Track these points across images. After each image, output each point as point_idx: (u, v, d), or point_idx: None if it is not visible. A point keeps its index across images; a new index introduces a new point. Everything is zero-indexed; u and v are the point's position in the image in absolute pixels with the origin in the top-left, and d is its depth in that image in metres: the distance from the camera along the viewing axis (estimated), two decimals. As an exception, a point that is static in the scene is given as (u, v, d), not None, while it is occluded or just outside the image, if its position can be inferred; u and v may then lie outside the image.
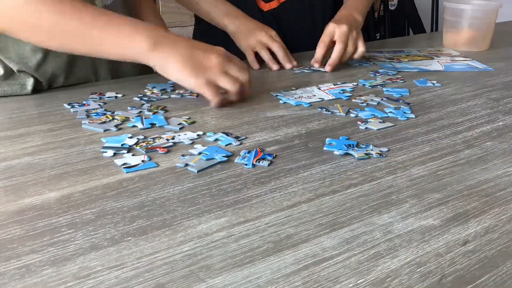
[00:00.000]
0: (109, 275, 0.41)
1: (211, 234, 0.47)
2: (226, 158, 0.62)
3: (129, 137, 0.67)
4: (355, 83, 0.94)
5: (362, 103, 0.83)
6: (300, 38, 1.22)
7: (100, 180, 0.56)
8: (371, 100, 0.84)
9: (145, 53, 0.75)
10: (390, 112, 0.79)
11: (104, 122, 0.72)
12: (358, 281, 0.41)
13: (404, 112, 0.79)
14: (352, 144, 0.66)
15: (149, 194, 0.54)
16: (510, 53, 1.23)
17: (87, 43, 0.76)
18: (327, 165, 0.61)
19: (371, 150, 0.65)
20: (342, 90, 0.90)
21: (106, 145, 0.64)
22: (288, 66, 1.05)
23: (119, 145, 0.64)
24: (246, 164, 0.60)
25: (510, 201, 0.53)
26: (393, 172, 0.59)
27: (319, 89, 0.91)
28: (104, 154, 0.62)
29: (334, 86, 0.92)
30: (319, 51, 1.03)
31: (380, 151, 0.64)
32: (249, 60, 1.05)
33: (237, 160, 0.61)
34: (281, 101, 0.84)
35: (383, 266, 0.43)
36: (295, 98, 0.85)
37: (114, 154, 0.62)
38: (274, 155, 0.63)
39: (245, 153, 0.63)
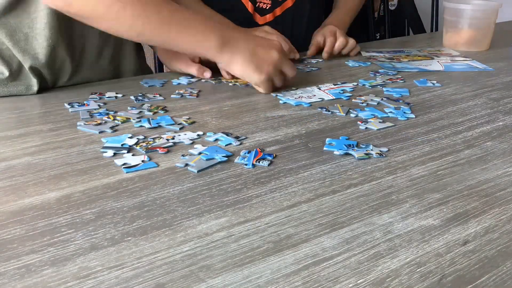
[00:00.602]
0: (109, 275, 0.41)
1: (211, 234, 0.47)
2: (226, 158, 0.62)
3: (129, 137, 0.67)
4: (355, 83, 0.94)
5: (362, 103, 0.83)
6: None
7: (100, 180, 0.56)
8: (371, 100, 0.84)
9: (215, 50, 0.83)
10: (390, 112, 0.79)
11: (100, 124, 0.72)
12: (358, 281, 0.41)
13: (404, 112, 0.79)
14: (352, 144, 0.66)
15: (149, 194, 0.54)
16: (510, 53, 1.23)
17: (164, 37, 0.82)
18: (327, 165, 0.61)
19: (371, 150, 0.65)
20: (342, 90, 0.90)
21: (106, 145, 0.64)
22: (293, 56, 1.07)
23: (119, 145, 0.64)
24: (246, 164, 0.60)
25: (510, 201, 0.53)
26: (393, 172, 0.59)
27: (319, 89, 0.91)
28: (104, 154, 0.62)
29: (334, 86, 0.92)
30: (312, 48, 1.13)
31: (380, 151, 0.64)
32: None
33: (237, 160, 0.61)
34: (281, 101, 0.84)
35: (383, 266, 0.43)
36: (295, 98, 0.85)
37: (114, 154, 0.62)
38: (274, 155, 0.63)
39: (245, 153, 0.63)
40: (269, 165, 0.61)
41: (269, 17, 1.22)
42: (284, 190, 0.55)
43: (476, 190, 0.56)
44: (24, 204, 0.51)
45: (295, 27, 1.26)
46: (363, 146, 0.66)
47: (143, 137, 0.67)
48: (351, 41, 1.14)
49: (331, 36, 1.13)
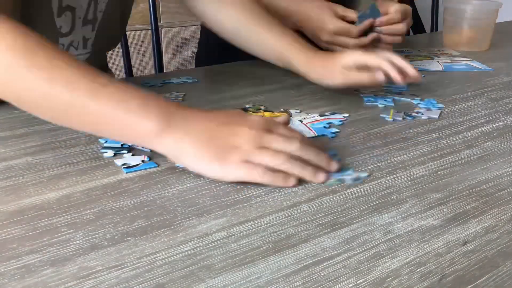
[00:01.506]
0: (109, 275, 0.41)
1: (211, 234, 0.47)
2: None
3: None
4: (346, 114, 0.77)
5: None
6: None
7: (100, 180, 0.56)
8: (384, 100, 0.84)
9: (152, 136, 0.57)
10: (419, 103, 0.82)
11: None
12: (358, 281, 0.41)
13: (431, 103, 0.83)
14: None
15: (149, 194, 0.54)
16: (510, 53, 1.23)
17: (82, 119, 0.59)
18: (327, 165, 0.61)
19: (348, 175, 0.57)
20: (328, 123, 0.73)
21: (105, 145, 0.64)
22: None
23: (118, 145, 0.64)
24: None
25: (510, 201, 0.53)
26: (393, 172, 0.59)
27: (301, 122, 0.73)
28: (105, 155, 0.62)
29: (320, 118, 0.75)
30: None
31: (358, 176, 0.57)
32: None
33: None
34: None
35: (383, 266, 0.43)
36: None
37: (115, 154, 0.62)
38: None
39: None
40: None
41: None
42: (284, 190, 0.55)
43: (476, 190, 0.56)
44: (24, 204, 0.51)
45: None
46: (342, 170, 0.58)
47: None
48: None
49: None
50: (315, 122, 0.74)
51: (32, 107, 0.61)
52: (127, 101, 0.57)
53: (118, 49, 1.34)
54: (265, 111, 0.77)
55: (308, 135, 0.68)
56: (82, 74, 0.57)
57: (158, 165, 0.60)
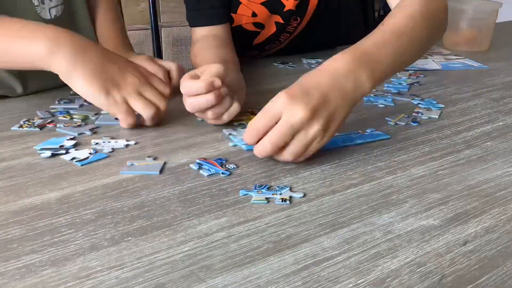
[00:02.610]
0: (109, 275, 0.41)
1: (211, 234, 0.47)
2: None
3: (67, 139, 0.66)
4: None
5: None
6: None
7: (100, 180, 0.56)
8: (383, 102, 0.84)
9: (44, 57, 0.65)
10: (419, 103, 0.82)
11: (80, 126, 0.70)
12: (358, 281, 0.41)
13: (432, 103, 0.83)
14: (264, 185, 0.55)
15: (149, 194, 0.54)
16: (510, 53, 1.23)
17: None
18: (327, 165, 0.61)
19: (280, 194, 0.53)
20: None
21: (42, 146, 0.63)
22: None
23: (57, 146, 0.64)
24: (223, 173, 0.58)
25: (510, 201, 0.53)
26: (393, 172, 0.59)
27: None
28: (42, 155, 0.61)
29: None
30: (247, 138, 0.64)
31: (290, 196, 0.53)
32: None
33: (206, 174, 0.58)
34: (230, 143, 0.66)
35: (383, 266, 0.43)
36: None
37: (52, 154, 0.62)
38: (225, 159, 0.61)
39: (198, 166, 0.59)
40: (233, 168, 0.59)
41: (274, 52, 1.15)
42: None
43: (476, 190, 0.56)
44: (24, 204, 0.51)
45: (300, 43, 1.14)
46: (278, 188, 0.55)
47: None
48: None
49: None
50: None
51: None
52: (21, 30, 0.67)
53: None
54: (251, 114, 0.74)
55: None
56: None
57: (108, 156, 0.61)
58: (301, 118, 0.55)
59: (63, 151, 0.63)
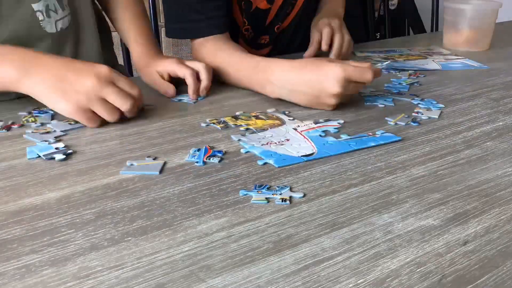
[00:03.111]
0: (109, 275, 0.41)
1: (211, 234, 0.47)
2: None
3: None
4: (340, 121, 0.74)
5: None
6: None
7: (100, 180, 0.56)
8: (383, 101, 0.84)
9: (14, 82, 0.70)
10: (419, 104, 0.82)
11: (48, 132, 0.69)
12: (358, 281, 0.41)
13: (432, 103, 0.83)
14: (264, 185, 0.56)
15: (149, 194, 0.54)
16: (510, 53, 1.23)
17: None
18: (327, 165, 0.61)
19: (281, 194, 0.54)
20: (323, 131, 0.71)
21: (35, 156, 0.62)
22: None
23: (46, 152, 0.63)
24: (197, 162, 0.60)
25: (510, 201, 0.53)
26: (393, 172, 0.59)
27: (296, 130, 0.71)
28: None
29: (315, 126, 0.73)
30: (311, 49, 1.07)
31: (290, 197, 0.53)
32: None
33: (187, 158, 0.61)
34: (243, 150, 0.64)
35: (383, 266, 0.43)
36: (262, 144, 0.66)
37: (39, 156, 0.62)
38: (224, 151, 0.63)
39: (195, 151, 0.63)
40: (219, 161, 0.61)
41: (268, 48, 1.20)
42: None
43: (476, 190, 0.56)
44: (24, 204, 0.51)
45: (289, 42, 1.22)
46: (278, 188, 0.55)
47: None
48: (347, 38, 1.08)
49: (336, 31, 1.06)
50: (310, 130, 0.71)
51: None
52: None
53: (118, 49, 1.34)
54: (256, 118, 0.76)
55: (308, 149, 0.64)
56: None
57: (76, 152, 0.60)
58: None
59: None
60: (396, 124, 0.74)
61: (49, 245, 0.45)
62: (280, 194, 0.54)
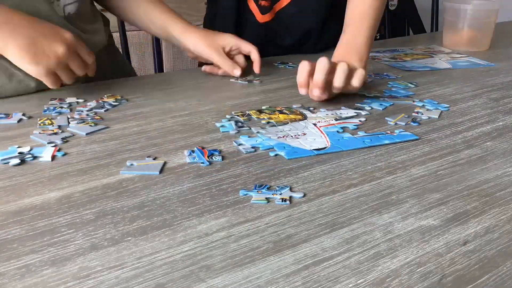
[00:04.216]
0: (109, 275, 0.41)
1: (211, 234, 0.47)
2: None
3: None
4: (363, 119, 0.75)
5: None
6: (294, 50, 1.20)
7: (100, 180, 0.56)
8: (383, 102, 0.84)
9: None
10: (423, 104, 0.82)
11: (56, 134, 0.68)
12: (358, 281, 0.41)
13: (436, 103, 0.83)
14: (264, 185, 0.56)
15: (149, 194, 0.54)
16: (510, 53, 1.23)
17: None
18: (327, 165, 0.61)
19: (281, 194, 0.54)
20: (342, 128, 0.71)
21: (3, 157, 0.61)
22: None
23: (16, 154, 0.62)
24: (202, 163, 0.60)
25: (510, 201, 0.53)
26: (393, 172, 0.59)
27: (315, 125, 0.72)
28: (10, 163, 0.60)
29: (335, 122, 0.74)
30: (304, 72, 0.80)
31: (290, 197, 0.53)
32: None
33: (188, 160, 0.61)
34: (257, 141, 0.66)
35: (383, 266, 0.43)
36: (278, 137, 0.68)
37: (21, 161, 0.60)
38: (219, 151, 0.63)
39: (189, 152, 0.63)
40: (222, 159, 0.61)
41: (270, 15, 1.18)
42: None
43: (476, 190, 0.56)
44: (24, 204, 0.51)
45: (297, 22, 1.17)
46: (278, 188, 0.55)
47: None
48: (354, 85, 0.81)
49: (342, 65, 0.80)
50: (328, 126, 0.72)
51: None
52: None
53: (119, 50, 1.34)
54: (280, 112, 0.77)
55: (321, 144, 0.65)
56: None
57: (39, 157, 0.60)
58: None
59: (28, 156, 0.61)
60: (396, 124, 0.74)
61: (49, 245, 0.45)
62: (280, 194, 0.54)
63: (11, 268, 0.42)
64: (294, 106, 0.81)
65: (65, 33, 0.77)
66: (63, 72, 0.78)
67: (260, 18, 1.19)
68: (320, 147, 0.65)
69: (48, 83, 0.77)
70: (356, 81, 0.80)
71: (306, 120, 0.75)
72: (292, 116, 0.76)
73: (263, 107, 0.80)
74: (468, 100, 0.86)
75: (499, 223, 0.49)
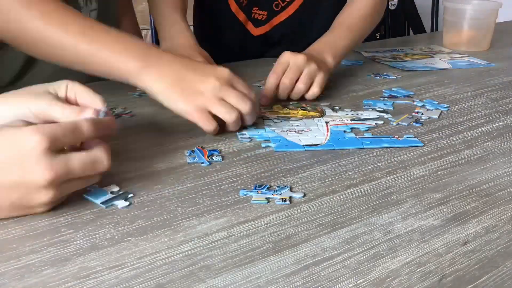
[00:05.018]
0: (109, 275, 0.41)
1: (211, 234, 0.47)
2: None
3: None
4: (380, 122, 0.74)
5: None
6: None
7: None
8: (384, 103, 0.84)
9: (133, 74, 0.66)
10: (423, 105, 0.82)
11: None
12: (358, 281, 0.41)
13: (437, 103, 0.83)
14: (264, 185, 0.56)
15: (149, 194, 0.53)
16: (510, 53, 1.23)
17: (73, 58, 0.68)
18: (327, 165, 0.61)
19: (281, 194, 0.54)
20: (351, 128, 0.71)
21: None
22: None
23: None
24: (202, 163, 0.60)
25: (510, 201, 0.53)
26: (393, 172, 0.59)
27: (327, 123, 0.73)
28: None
29: (349, 122, 0.73)
30: (270, 81, 0.81)
31: (290, 197, 0.53)
32: None
33: (189, 160, 0.61)
34: (258, 138, 0.68)
35: (383, 266, 0.43)
36: (282, 131, 0.69)
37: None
38: (219, 150, 0.64)
39: (189, 153, 0.63)
40: (222, 159, 0.61)
41: (265, 27, 1.16)
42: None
43: (476, 190, 0.56)
44: (24, 204, 0.51)
45: (299, 37, 1.14)
46: (278, 188, 0.55)
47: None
48: (313, 90, 0.82)
49: (290, 73, 0.81)
50: (339, 125, 0.72)
51: (29, 47, 0.71)
52: (112, 43, 0.67)
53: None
54: (302, 109, 0.79)
55: (317, 141, 0.66)
56: (74, 19, 0.68)
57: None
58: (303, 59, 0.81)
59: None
60: (398, 124, 0.74)
61: (49, 245, 0.45)
62: (280, 194, 0.54)
63: (11, 268, 0.41)
64: (322, 104, 0.82)
65: (220, 69, 0.69)
66: (218, 107, 0.66)
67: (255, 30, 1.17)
68: (313, 143, 0.66)
69: (200, 122, 0.65)
70: (315, 88, 0.82)
71: (321, 118, 0.75)
72: (311, 113, 0.77)
73: (291, 103, 0.82)
74: (468, 100, 0.86)
75: (499, 223, 0.49)
